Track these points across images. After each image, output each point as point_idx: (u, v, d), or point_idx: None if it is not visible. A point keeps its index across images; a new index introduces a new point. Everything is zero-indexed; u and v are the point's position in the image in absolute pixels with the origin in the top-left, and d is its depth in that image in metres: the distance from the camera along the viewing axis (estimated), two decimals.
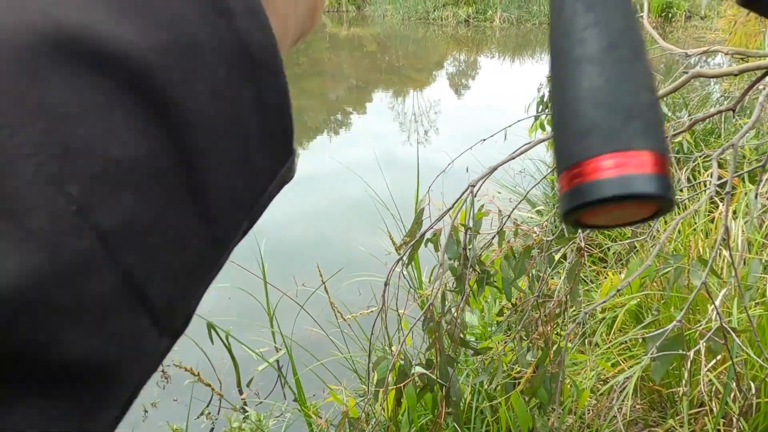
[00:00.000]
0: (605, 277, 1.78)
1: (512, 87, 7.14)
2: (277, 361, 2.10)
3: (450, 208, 0.82)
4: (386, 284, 0.85)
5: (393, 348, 0.98)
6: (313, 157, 4.95)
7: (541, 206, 2.49)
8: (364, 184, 3.82)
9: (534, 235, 1.15)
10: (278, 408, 1.90)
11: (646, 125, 0.17)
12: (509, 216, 0.98)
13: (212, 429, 1.88)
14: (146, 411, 1.95)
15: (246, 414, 1.85)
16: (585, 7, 0.19)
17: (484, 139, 1.01)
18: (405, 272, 2.31)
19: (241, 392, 2.01)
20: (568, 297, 0.92)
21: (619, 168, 0.17)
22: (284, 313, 2.14)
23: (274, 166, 0.19)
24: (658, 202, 0.17)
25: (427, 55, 10.04)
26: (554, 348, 0.94)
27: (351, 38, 11.82)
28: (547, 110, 2.66)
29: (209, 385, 1.60)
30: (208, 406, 1.97)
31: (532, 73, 7.64)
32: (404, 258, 0.86)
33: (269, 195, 0.19)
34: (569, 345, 1.05)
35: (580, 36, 0.18)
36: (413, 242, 0.83)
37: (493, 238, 1.02)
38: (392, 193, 2.48)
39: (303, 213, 3.52)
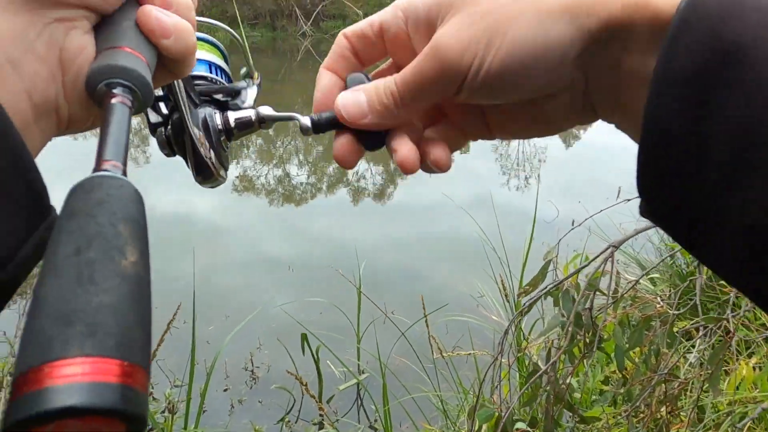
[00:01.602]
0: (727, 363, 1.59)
1: (626, 142, 6.74)
2: (358, 383, 2.13)
3: (586, 264, 0.79)
4: (506, 332, 0.84)
5: (495, 397, 0.95)
6: (409, 188, 5.04)
7: (657, 275, 2.30)
8: (454, 220, 3.81)
9: (657, 305, 1.07)
10: (354, 430, 1.91)
11: (93, 331, 0.16)
12: (636, 282, 0.93)
13: None
14: (233, 406, 2.06)
15: (321, 431, 1.88)
16: (65, 214, 0.18)
17: (629, 200, 0.97)
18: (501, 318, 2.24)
19: (320, 407, 2.05)
20: (704, 382, 0.84)
21: (51, 380, 0.15)
22: (366, 337, 2.17)
23: (20, 230, 0.19)
24: (119, 418, 0.15)
25: None
26: None
27: None
28: None
29: (310, 391, 1.65)
30: (288, 413, 2.03)
31: None
32: (525, 307, 0.84)
33: (28, 254, 0.19)
34: None
35: (55, 238, 0.18)
36: (540, 293, 0.81)
37: (614, 302, 0.97)
38: (486, 236, 2.43)
39: (393, 241, 3.58)
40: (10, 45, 0.22)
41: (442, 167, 0.31)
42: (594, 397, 1.24)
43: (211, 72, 0.36)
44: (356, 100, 0.29)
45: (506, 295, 1.97)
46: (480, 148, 6.74)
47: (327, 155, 6.29)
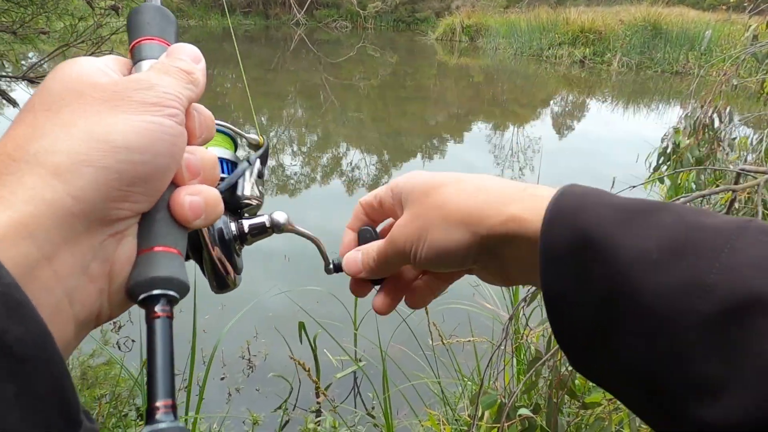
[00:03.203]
0: None
1: (621, 135, 6.79)
2: (354, 371, 2.14)
3: None
4: (511, 318, 0.84)
5: (497, 384, 0.96)
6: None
7: None
8: None
9: None
10: (351, 419, 1.92)
11: None
12: None
13: (287, 422, 1.94)
14: (230, 394, 2.06)
15: (319, 419, 1.89)
16: None
17: (633, 187, 0.98)
18: (497, 302, 2.25)
19: (318, 395, 2.06)
20: None
21: None
22: (362, 327, 2.18)
23: None
24: None
25: (534, 92, 9.87)
26: None
27: (459, 68, 11.94)
28: (670, 162, 2.50)
29: (312, 376, 1.66)
30: (285, 402, 2.04)
31: (647, 123, 7.22)
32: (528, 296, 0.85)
33: None
34: None
35: None
36: None
37: None
38: None
39: None
40: (69, 278, 0.23)
41: (413, 308, 0.43)
42: (591, 384, 1.25)
43: (222, 171, 0.37)
44: (354, 259, 0.41)
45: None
46: (474, 139, 6.75)
47: (321, 145, 6.27)
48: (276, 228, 0.37)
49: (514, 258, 0.34)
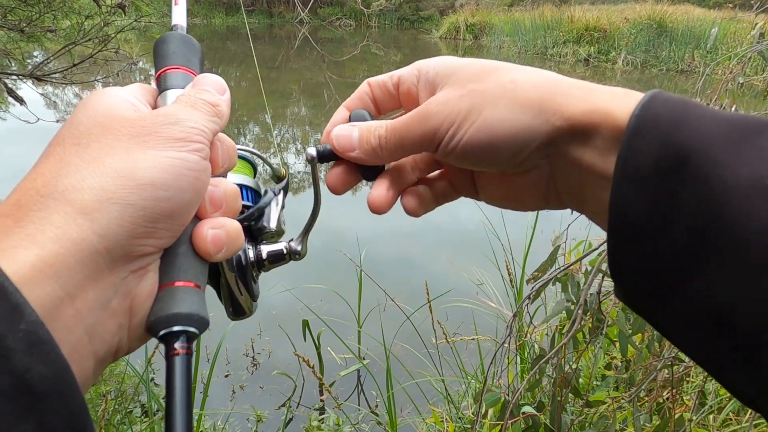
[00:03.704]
0: None
1: None
2: (358, 369, 2.14)
3: (593, 250, 0.80)
4: (515, 316, 0.84)
5: (500, 382, 0.96)
6: None
7: None
8: (452, 209, 3.81)
9: None
10: (355, 416, 1.92)
11: None
12: None
13: (291, 419, 1.95)
14: (234, 392, 2.07)
15: (322, 416, 1.90)
16: None
17: None
18: (500, 301, 2.25)
19: (322, 392, 2.06)
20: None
21: None
22: (365, 326, 2.18)
23: None
24: None
25: None
26: (677, 417, 0.87)
27: None
28: None
29: (316, 372, 1.66)
30: (289, 399, 2.05)
31: None
32: (532, 293, 0.85)
33: None
34: (693, 417, 0.97)
35: None
36: (549, 276, 0.82)
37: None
38: (489, 223, 2.44)
39: (392, 230, 3.58)
40: (90, 314, 0.24)
41: (411, 213, 0.35)
42: (596, 382, 1.25)
43: (244, 199, 0.36)
44: (349, 134, 0.33)
45: (511, 281, 1.98)
46: None
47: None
48: (294, 255, 0.37)
49: (576, 164, 0.28)
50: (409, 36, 17.13)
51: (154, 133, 0.26)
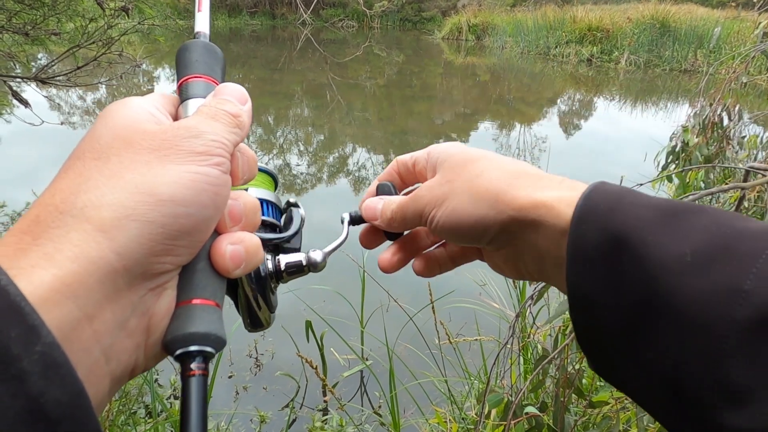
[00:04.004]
0: None
1: (628, 133, 6.75)
2: (362, 370, 2.14)
3: None
4: (518, 316, 0.84)
5: (503, 382, 0.96)
6: None
7: None
8: None
9: None
10: (358, 417, 1.92)
11: None
12: None
13: (294, 420, 1.95)
14: (237, 393, 2.08)
15: (326, 417, 1.90)
16: None
17: (641, 184, 0.97)
18: (502, 301, 2.25)
19: (325, 393, 2.06)
20: None
21: None
22: (368, 327, 2.18)
23: None
24: None
25: (541, 91, 9.82)
26: None
27: (466, 66, 11.91)
28: (678, 161, 2.49)
29: (319, 373, 1.66)
30: (292, 400, 2.05)
31: (655, 122, 7.17)
32: (535, 294, 0.85)
33: None
34: None
35: None
36: None
37: None
38: None
39: None
40: (108, 335, 0.23)
41: (417, 273, 0.42)
42: (599, 383, 1.25)
43: (264, 214, 0.36)
44: (375, 206, 0.41)
45: (513, 282, 1.98)
46: (480, 138, 6.73)
47: (327, 144, 6.28)
48: (312, 267, 0.36)
49: (533, 248, 0.33)
50: (411, 37, 17.14)
51: (174, 147, 0.26)
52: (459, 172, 0.36)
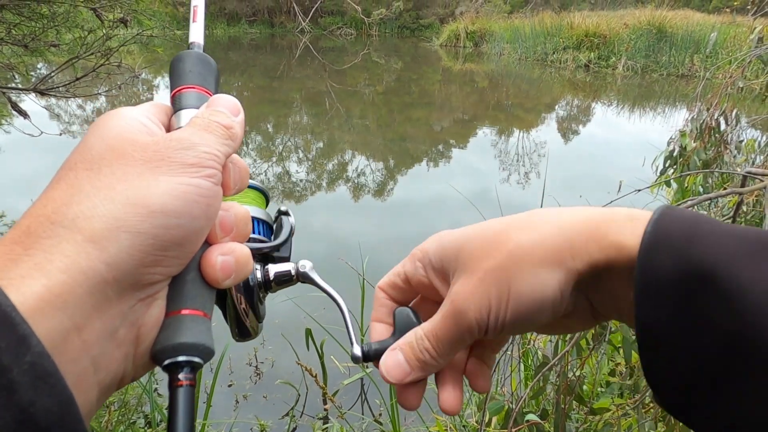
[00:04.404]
0: None
1: (626, 138, 6.76)
2: (361, 378, 2.13)
3: None
4: None
5: (503, 389, 0.96)
6: (410, 185, 5.05)
7: None
8: (454, 216, 3.81)
9: None
10: (359, 425, 1.91)
11: None
12: None
13: (295, 429, 1.94)
14: (237, 401, 2.07)
15: (326, 426, 1.89)
16: None
17: (639, 190, 0.98)
18: None
19: (325, 402, 2.06)
20: None
21: None
22: (368, 334, 2.17)
23: None
24: None
25: (539, 96, 9.86)
26: (682, 423, 0.86)
27: (464, 73, 11.96)
28: (676, 165, 2.49)
29: (319, 381, 1.66)
30: (293, 409, 2.04)
31: (652, 127, 7.19)
32: None
33: None
34: None
35: None
36: None
37: None
38: None
39: (394, 237, 3.58)
40: (97, 345, 0.23)
41: (483, 391, 0.36)
42: (600, 389, 1.25)
43: (255, 232, 0.36)
44: (396, 362, 0.33)
45: None
46: (479, 144, 6.75)
47: (326, 151, 6.29)
48: (301, 277, 0.36)
49: (609, 293, 0.30)
50: (409, 44, 17.22)
51: (166, 158, 0.26)
52: (493, 257, 0.30)
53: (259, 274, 0.35)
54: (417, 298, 0.37)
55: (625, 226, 0.28)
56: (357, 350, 0.34)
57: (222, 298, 0.34)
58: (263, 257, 0.36)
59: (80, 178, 0.25)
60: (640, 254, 0.26)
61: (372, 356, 0.34)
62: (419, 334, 0.32)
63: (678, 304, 0.25)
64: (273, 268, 0.35)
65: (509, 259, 0.29)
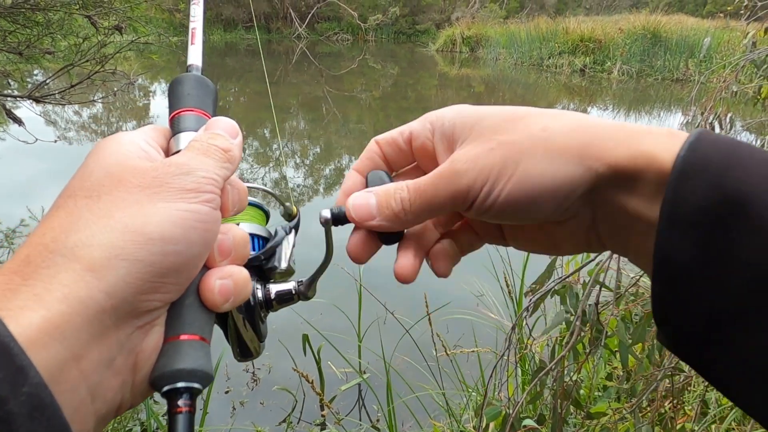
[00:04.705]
0: None
1: None
2: (359, 384, 2.13)
3: (590, 261, 0.80)
4: (513, 328, 0.84)
5: (501, 395, 0.95)
6: None
7: None
8: None
9: None
10: (357, 431, 1.90)
11: None
12: (639, 278, 0.93)
13: None
14: (234, 408, 2.05)
15: (325, 430, 1.88)
16: None
17: None
18: (501, 314, 2.24)
19: (322, 407, 2.05)
20: None
21: None
22: (366, 339, 2.17)
23: None
24: None
25: (535, 101, 9.90)
26: (679, 427, 0.86)
27: (460, 78, 12.01)
28: None
29: (315, 388, 1.65)
30: (290, 415, 2.03)
31: None
32: (531, 306, 0.85)
33: None
34: (695, 427, 0.96)
35: None
36: (543, 291, 0.82)
37: (617, 298, 0.97)
38: None
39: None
40: (94, 374, 0.23)
41: (442, 276, 0.34)
42: (597, 393, 1.25)
43: (254, 249, 0.35)
44: (366, 201, 0.31)
45: (509, 293, 1.97)
46: None
47: (323, 156, 6.29)
48: (302, 296, 0.35)
49: (621, 212, 0.27)
50: (405, 49, 17.29)
51: (165, 185, 0.26)
52: (513, 130, 0.28)
53: (260, 294, 0.35)
54: (409, 167, 0.35)
55: (662, 139, 0.25)
56: (326, 212, 0.33)
57: (223, 317, 0.33)
58: (262, 276, 0.36)
59: (79, 207, 0.25)
60: (672, 177, 0.24)
61: (342, 219, 0.33)
62: (399, 185, 0.31)
63: (707, 234, 0.23)
64: (274, 288, 0.35)
65: (529, 138, 0.27)
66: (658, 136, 0.26)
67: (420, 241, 0.33)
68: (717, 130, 2.45)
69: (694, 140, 0.25)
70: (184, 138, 0.31)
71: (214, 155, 0.29)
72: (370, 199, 0.31)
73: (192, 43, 0.35)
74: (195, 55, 0.34)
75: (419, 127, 0.33)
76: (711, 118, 2.44)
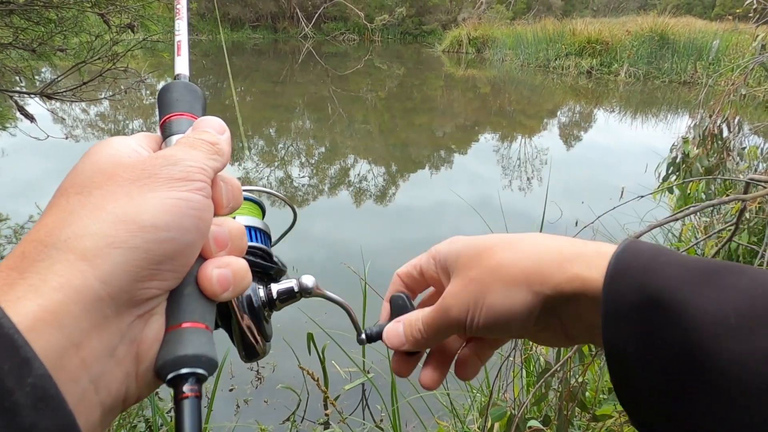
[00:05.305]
0: None
1: (629, 145, 6.77)
2: (363, 383, 2.13)
3: None
4: None
5: (506, 395, 0.95)
6: (412, 190, 5.06)
7: None
8: (455, 222, 3.81)
9: None
10: (360, 431, 1.91)
11: None
12: None
13: None
14: (238, 406, 2.06)
15: (327, 431, 1.88)
16: None
17: (641, 196, 0.98)
18: None
19: (326, 406, 2.05)
20: None
21: None
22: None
23: None
24: None
25: (541, 102, 9.88)
26: None
27: (466, 79, 12.00)
28: (679, 172, 2.49)
29: (321, 386, 1.65)
30: (294, 413, 2.03)
31: (655, 133, 7.19)
32: None
33: None
34: None
35: None
36: None
37: None
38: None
39: (395, 243, 3.58)
40: (96, 364, 0.24)
41: (465, 379, 0.41)
42: (603, 396, 1.24)
43: (252, 240, 0.36)
44: (396, 332, 0.38)
45: None
46: (481, 149, 6.75)
47: (328, 156, 6.30)
48: (305, 292, 0.36)
49: (576, 317, 0.33)
50: (412, 50, 17.29)
51: (154, 176, 0.27)
52: (479, 268, 0.34)
53: (262, 293, 0.35)
54: (430, 290, 0.42)
55: (592, 260, 0.31)
56: (362, 336, 0.40)
57: (227, 320, 0.34)
58: (266, 277, 0.36)
59: (71, 203, 0.25)
60: (605, 284, 0.29)
61: (374, 337, 0.39)
62: (416, 316, 0.38)
63: (638, 327, 0.27)
64: (276, 287, 0.36)
65: (488, 272, 0.34)
66: (588, 259, 0.31)
67: (442, 353, 0.40)
68: (725, 133, 2.44)
69: (620, 252, 0.30)
70: (174, 141, 0.31)
71: (201, 147, 0.29)
72: (398, 328, 0.38)
73: (178, 54, 0.36)
74: (182, 65, 0.35)
75: (425, 261, 0.40)
76: (719, 121, 2.43)
